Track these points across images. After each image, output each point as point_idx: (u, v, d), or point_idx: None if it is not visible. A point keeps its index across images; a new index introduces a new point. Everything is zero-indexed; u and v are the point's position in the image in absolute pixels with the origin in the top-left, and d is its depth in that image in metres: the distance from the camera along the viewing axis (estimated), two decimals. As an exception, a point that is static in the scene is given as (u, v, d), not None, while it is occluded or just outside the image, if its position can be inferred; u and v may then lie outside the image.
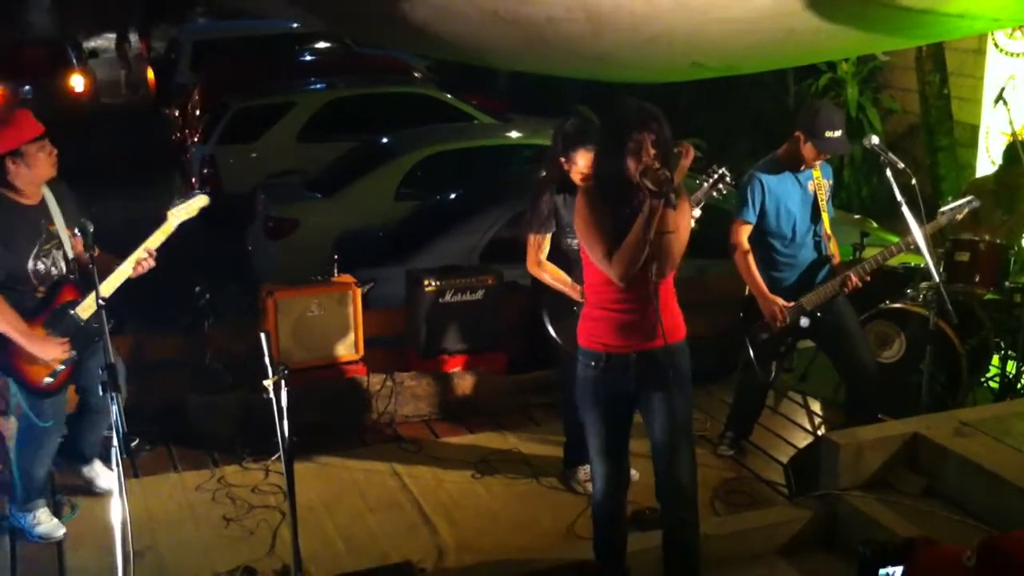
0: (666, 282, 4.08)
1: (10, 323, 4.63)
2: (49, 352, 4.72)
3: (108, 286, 4.71)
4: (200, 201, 4.96)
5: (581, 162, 5.06)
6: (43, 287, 4.77)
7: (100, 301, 4.29)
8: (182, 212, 4.91)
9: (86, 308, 4.78)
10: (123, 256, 4.79)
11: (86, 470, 5.43)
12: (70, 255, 4.84)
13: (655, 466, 4.24)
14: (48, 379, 4.79)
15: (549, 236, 5.21)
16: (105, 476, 5.40)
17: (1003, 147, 7.05)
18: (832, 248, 5.61)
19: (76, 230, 4.70)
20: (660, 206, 3.85)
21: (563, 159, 5.14)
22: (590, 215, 4.02)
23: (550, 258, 5.24)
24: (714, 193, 5.49)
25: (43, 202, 4.79)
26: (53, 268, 4.80)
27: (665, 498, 4.24)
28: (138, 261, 4.78)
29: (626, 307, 4.05)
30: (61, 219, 4.83)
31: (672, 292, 4.14)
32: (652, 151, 3.90)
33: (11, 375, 4.80)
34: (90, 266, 4.40)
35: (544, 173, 5.26)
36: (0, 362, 4.75)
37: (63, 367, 4.79)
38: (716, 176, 5.46)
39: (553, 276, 5.20)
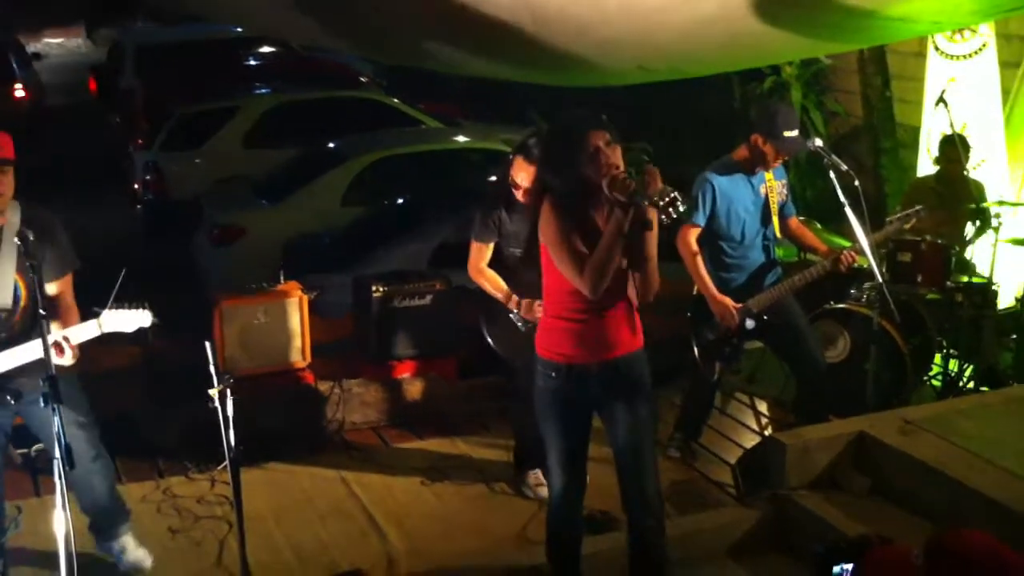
0: (622, 294, 4.04)
1: None
2: None
3: (18, 355, 4.27)
4: (141, 319, 4.36)
5: (519, 175, 5.06)
6: None
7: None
8: (116, 321, 4.33)
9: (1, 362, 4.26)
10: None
11: (101, 550, 4.92)
12: (4, 302, 4.28)
13: (619, 475, 4.20)
14: None
15: (491, 245, 5.25)
16: (132, 553, 4.88)
17: (939, 141, 7.15)
18: (814, 239, 5.71)
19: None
20: (629, 215, 3.80)
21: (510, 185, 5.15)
22: (558, 229, 3.92)
23: (492, 266, 5.28)
24: (663, 217, 5.40)
25: (25, 231, 4.18)
26: None
27: (632, 507, 4.20)
28: (53, 345, 4.13)
29: (586, 317, 4.00)
30: (12, 259, 4.30)
31: (629, 303, 4.08)
32: (609, 155, 3.86)
33: None
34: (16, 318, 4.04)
35: (496, 185, 5.29)
36: None
37: None
38: (667, 199, 5.37)
39: (491, 284, 5.26)
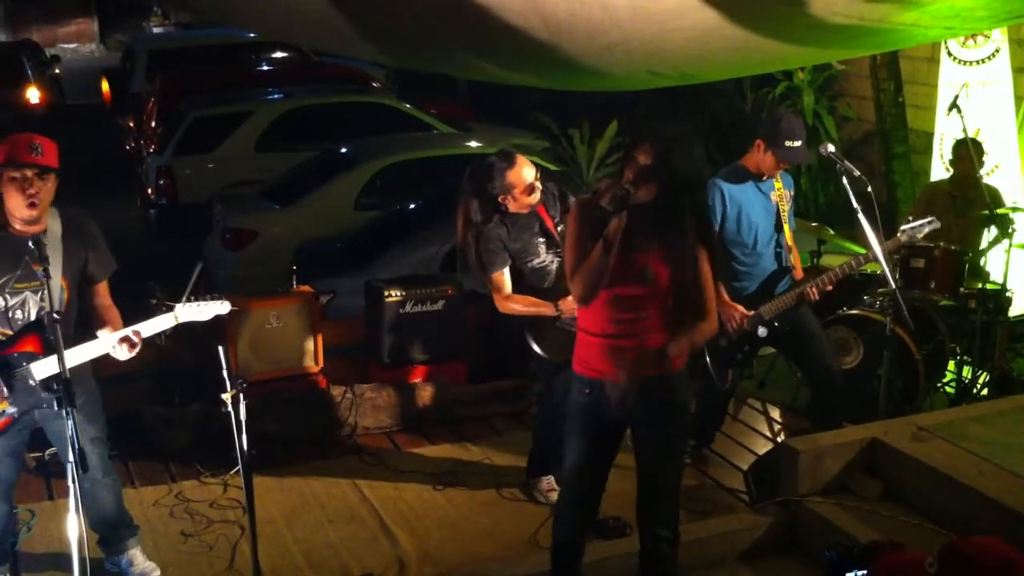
0: (663, 308, 3.98)
1: None
2: None
3: (74, 356, 4.17)
4: (220, 307, 4.44)
5: (513, 181, 5.00)
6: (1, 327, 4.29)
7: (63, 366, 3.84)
8: (192, 312, 4.39)
9: (42, 367, 4.20)
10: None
11: (109, 565, 4.86)
12: (53, 304, 4.07)
13: (638, 489, 4.18)
14: None
15: (507, 270, 5.15)
16: (141, 565, 4.84)
17: (952, 144, 7.14)
18: (794, 260, 5.66)
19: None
20: (621, 223, 3.79)
21: (500, 196, 5.04)
22: (573, 231, 3.96)
23: (515, 288, 5.15)
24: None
25: (41, 237, 4.14)
26: (19, 311, 4.28)
27: (645, 522, 4.18)
28: (121, 340, 4.25)
29: (618, 331, 3.97)
30: (59, 263, 4.26)
31: (666, 322, 4.00)
32: (636, 168, 3.81)
33: None
34: (56, 324, 3.90)
35: (475, 217, 5.11)
36: None
37: None
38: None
39: (525, 305, 5.12)
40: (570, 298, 4.97)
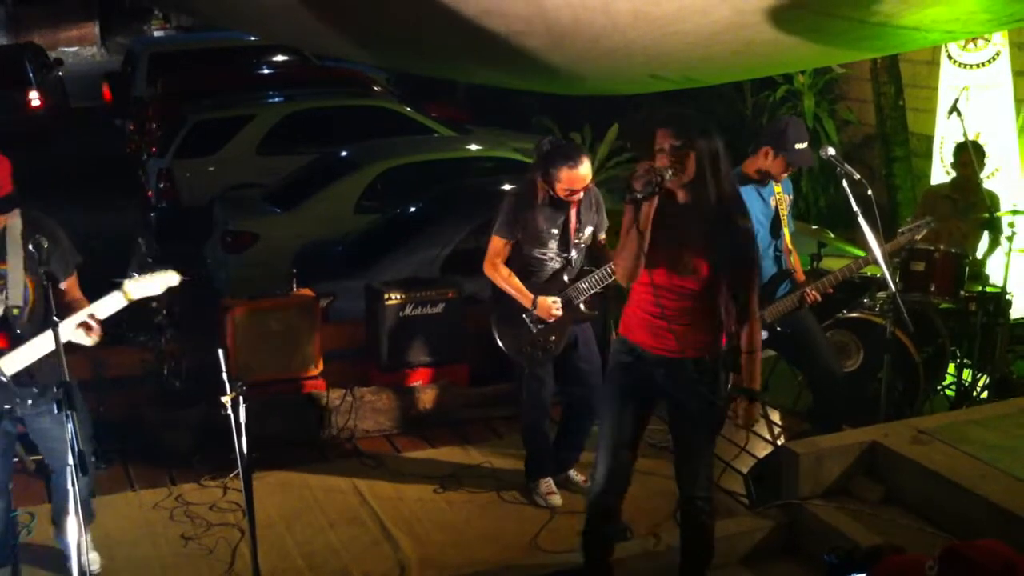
0: (699, 299, 4.13)
1: None
2: None
3: (36, 347, 4.20)
4: (168, 279, 4.34)
5: (563, 177, 5.09)
6: None
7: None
8: (142, 287, 4.30)
9: (9, 362, 4.22)
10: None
11: (67, 542, 4.95)
12: (15, 300, 4.16)
13: (675, 455, 4.38)
14: None
15: (511, 244, 5.24)
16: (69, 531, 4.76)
17: (954, 147, 7.14)
18: (794, 262, 5.66)
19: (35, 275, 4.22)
20: (651, 208, 3.94)
21: (544, 177, 5.15)
22: (624, 219, 4.11)
23: (510, 264, 5.27)
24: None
25: (2, 233, 4.16)
26: None
27: (682, 483, 4.35)
28: (80, 325, 4.20)
29: (657, 312, 4.16)
30: (19, 260, 4.26)
31: (706, 311, 4.15)
32: (668, 152, 4.00)
33: None
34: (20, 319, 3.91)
35: (527, 184, 5.28)
36: None
37: None
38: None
39: (505, 280, 5.24)
40: (549, 299, 5.15)
